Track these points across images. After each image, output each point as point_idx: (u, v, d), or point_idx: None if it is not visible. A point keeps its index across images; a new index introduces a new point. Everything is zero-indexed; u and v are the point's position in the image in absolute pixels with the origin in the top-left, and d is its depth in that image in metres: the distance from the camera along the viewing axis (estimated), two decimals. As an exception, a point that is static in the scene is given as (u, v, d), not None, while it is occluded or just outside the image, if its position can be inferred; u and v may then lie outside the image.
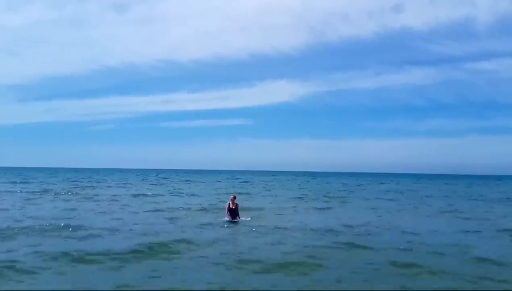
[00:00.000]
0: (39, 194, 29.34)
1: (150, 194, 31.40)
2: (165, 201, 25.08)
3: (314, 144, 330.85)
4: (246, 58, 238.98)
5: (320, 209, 22.43)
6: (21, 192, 31.29)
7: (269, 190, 40.24)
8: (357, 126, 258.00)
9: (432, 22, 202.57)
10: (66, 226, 13.65)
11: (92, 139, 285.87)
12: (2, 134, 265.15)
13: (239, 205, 16.42)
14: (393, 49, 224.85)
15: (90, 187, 41.25)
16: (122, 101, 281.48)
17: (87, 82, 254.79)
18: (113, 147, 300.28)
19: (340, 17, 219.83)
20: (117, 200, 24.97)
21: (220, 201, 23.63)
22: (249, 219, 16.17)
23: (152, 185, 48.34)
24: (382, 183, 67.58)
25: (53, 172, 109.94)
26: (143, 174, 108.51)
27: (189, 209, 20.59)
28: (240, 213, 16.09)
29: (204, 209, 20.46)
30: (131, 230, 13.52)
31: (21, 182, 46.85)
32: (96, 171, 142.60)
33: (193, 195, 31.48)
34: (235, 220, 15.50)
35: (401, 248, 11.20)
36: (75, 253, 9.50)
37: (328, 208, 22.76)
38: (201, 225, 14.90)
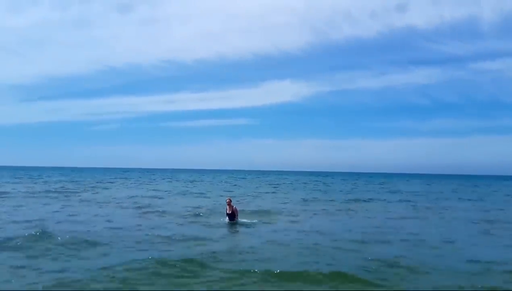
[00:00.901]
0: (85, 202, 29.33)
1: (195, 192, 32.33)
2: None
3: (317, 144, 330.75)
4: (249, 58, 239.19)
5: (333, 212, 20.25)
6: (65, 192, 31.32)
7: (278, 192, 39.16)
8: (361, 126, 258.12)
9: (436, 21, 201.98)
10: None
11: (95, 139, 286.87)
12: (6, 133, 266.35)
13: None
14: (397, 48, 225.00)
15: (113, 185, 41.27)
16: (125, 101, 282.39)
17: (90, 82, 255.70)
18: (116, 146, 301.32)
19: (343, 16, 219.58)
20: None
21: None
22: (255, 221, 15.59)
23: (189, 182, 48.58)
24: (383, 182, 67.48)
25: (60, 171, 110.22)
26: (154, 173, 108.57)
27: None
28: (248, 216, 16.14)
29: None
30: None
31: (44, 182, 47.10)
32: (100, 170, 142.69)
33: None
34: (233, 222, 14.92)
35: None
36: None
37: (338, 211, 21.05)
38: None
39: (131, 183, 47.72)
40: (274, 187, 45.66)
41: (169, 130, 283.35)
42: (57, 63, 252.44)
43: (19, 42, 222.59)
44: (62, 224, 14.18)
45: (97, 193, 30.50)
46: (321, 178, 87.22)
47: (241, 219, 15.32)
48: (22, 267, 8.33)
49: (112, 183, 48.18)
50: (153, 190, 36.12)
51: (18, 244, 10.49)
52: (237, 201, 22.33)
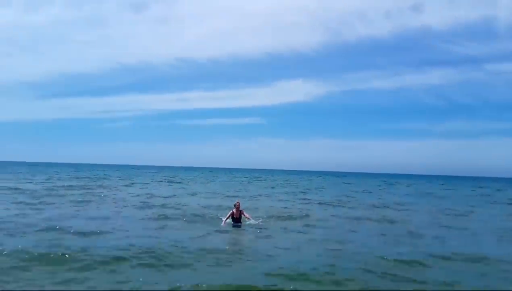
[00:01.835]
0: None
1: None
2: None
3: (329, 144, 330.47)
4: (261, 58, 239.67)
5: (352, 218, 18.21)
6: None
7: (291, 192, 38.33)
8: (373, 127, 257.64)
9: (451, 22, 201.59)
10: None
11: (108, 136, 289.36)
12: (20, 130, 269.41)
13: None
14: (411, 49, 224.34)
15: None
16: (138, 99, 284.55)
17: (104, 80, 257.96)
18: (128, 143, 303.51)
19: (357, 16, 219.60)
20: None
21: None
22: (260, 220, 15.22)
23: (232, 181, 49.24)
24: (409, 184, 67.60)
25: (73, 167, 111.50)
26: (176, 171, 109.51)
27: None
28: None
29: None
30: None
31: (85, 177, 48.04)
32: (114, 167, 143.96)
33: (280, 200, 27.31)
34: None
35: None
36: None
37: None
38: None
39: (160, 181, 48.50)
40: (295, 187, 46.19)
41: (180, 129, 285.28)
42: (71, 61, 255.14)
43: (34, 39, 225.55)
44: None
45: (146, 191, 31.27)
46: (342, 178, 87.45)
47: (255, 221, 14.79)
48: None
49: (133, 182, 48.88)
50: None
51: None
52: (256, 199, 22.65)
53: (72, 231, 12.13)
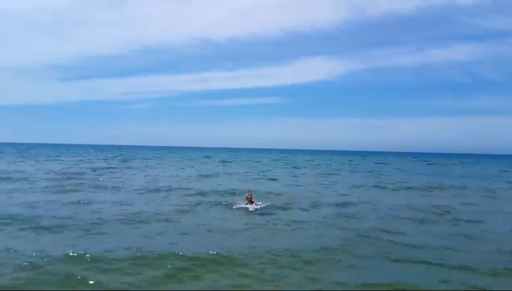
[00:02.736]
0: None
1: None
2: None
3: (351, 123, 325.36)
4: (281, 36, 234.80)
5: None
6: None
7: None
8: (397, 105, 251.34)
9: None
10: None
11: (130, 118, 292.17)
12: (45, 112, 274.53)
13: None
14: (436, 24, 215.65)
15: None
16: (159, 80, 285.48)
17: (125, 62, 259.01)
18: (150, 124, 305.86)
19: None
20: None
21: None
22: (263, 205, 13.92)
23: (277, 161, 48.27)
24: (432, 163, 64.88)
25: (100, 148, 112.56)
26: (200, 152, 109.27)
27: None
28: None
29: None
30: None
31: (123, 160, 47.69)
32: (140, 148, 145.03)
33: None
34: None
35: None
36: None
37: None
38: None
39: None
40: (324, 169, 44.42)
41: (201, 109, 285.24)
42: (93, 43, 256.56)
43: (57, 22, 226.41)
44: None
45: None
46: (375, 158, 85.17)
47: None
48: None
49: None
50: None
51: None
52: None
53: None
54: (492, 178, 33.58)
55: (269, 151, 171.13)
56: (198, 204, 14.51)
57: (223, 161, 53.15)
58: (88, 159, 48.52)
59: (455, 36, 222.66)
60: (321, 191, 19.65)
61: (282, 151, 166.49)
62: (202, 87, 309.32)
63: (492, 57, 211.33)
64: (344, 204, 15.14)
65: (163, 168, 35.37)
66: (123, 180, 22.93)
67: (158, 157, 61.96)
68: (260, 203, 14.07)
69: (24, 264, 6.92)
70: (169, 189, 18.66)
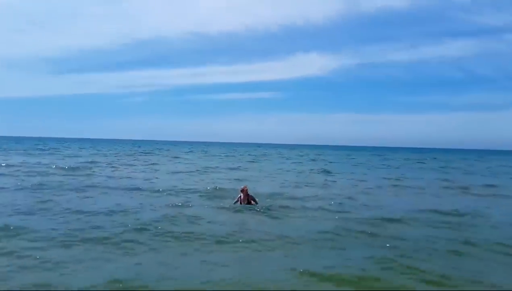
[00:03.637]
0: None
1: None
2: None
3: (345, 118, 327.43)
4: (276, 31, 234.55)
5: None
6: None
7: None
8: (391, 101, 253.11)
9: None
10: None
11: (124, 111, 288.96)
12: (36, 105, 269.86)
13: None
14: (430, 20, 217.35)
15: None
16: (154, 74, 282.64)
17: (120, 55, 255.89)
18: (144, 118, 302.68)
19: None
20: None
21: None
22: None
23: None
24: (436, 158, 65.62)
25: (94, 143, 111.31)
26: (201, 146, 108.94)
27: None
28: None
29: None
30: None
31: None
32: (138, 142, 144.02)
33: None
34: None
35: None
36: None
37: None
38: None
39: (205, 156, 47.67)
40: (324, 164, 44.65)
41: (195, 103, 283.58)
42: (86, 36, 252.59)
43: (49, 15, 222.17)
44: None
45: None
46: (377, 154, 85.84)
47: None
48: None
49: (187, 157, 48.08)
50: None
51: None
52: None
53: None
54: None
55: (261, 145, 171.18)
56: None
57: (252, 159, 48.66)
58: (116, 153, 48.38)
59: (448, 32, 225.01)
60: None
61: (274, 146, 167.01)
62: (196, 81, 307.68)
63: (485, 53, 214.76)
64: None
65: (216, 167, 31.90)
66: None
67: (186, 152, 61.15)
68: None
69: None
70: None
